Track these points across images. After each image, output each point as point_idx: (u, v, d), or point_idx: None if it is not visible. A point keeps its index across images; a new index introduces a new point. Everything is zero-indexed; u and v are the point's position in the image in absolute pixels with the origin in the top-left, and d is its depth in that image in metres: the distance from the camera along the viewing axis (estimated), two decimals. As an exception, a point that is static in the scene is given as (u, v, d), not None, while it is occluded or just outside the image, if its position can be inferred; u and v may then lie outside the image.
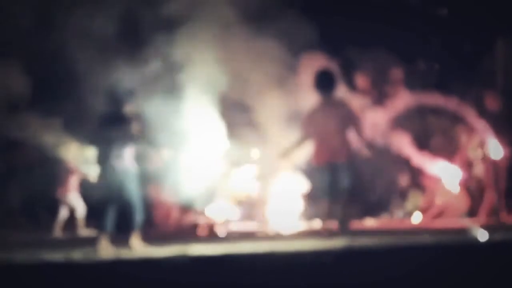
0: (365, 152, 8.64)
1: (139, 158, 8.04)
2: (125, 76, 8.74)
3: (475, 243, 6.98)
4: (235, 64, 10.20)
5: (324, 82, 8.65)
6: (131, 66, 9.29)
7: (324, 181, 8.45)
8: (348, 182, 8.40)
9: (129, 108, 7.85)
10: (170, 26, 9.89)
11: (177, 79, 9.93)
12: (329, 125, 8.45)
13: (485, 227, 7.89)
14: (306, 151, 9.01)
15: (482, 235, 7.27)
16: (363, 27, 12.07)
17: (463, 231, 7.88)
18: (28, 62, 10.18)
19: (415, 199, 12.05)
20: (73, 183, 11.20)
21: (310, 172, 10.27)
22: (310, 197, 10.91)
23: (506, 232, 7.95)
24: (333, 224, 8.52)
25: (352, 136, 8.56)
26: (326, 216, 8.54)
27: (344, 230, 8.33)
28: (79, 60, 9.56)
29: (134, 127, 7.76)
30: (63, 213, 11.22)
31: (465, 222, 10.30)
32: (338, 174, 8.37)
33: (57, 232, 11.05)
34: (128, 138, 7.71)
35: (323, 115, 8.49)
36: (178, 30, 9.93)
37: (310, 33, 10.53)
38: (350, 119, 8.55)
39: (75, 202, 11.18)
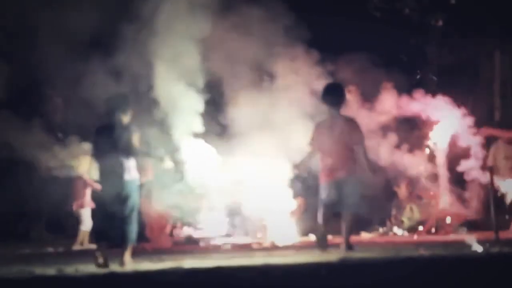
0: (371, 172, 8.44)
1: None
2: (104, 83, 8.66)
3: (472, 256, 6.93)
4: (213, 64, 10.16)
5: (333, 96, 8.45)
6: (108, 72, 9.20)
7: (328, 195, 8.30)
8: (355, 198, 8.26)
9: (126, 118, 7.57)
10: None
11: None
12: (336, 140, 8.25)
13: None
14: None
15: (478, 247, 7.23)
16: (358, 32, 12.03)
17: (460, 244, 7.84)
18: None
19: (412, 212, 11.95)
20: (88, 197, 11.11)
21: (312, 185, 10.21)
22: (308, 211, 10.84)
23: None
24: (330, 239, 8.47)
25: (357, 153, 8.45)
26: (323, 231, 8.43)
27: (349, 245, 8.25)
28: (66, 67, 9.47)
29: (135, 137, 7.50)
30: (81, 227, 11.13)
31: (463, 235, 10.24)
32: (343, 190, 8.23)
33: (77, 245, 10.95)
34: (132, 149, 7.46)
35: (330, 131, 8.30)
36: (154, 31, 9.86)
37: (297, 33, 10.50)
38: (356, 137, 8.34)
39: (85, 216, 11.08)
